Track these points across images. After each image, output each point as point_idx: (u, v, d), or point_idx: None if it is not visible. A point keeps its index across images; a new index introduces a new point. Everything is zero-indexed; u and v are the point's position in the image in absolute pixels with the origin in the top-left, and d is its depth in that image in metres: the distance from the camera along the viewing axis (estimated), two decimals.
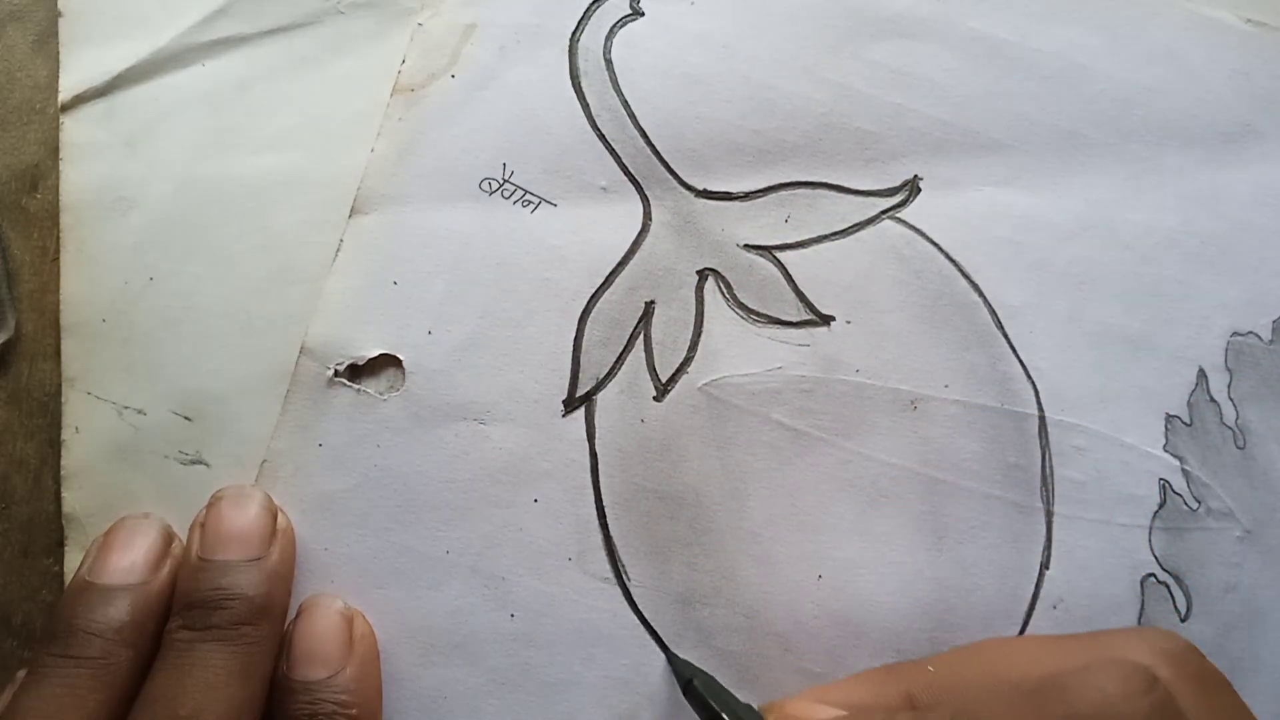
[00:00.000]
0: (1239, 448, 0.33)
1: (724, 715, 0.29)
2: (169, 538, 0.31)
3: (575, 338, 0.33)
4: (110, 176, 0.34)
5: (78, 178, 0.34)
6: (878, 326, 0.33)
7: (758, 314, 0.33)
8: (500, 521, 0.32)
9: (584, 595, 0.32)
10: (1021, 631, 0.32)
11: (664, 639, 0.32)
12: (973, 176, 0.33)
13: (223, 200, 0.33)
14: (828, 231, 0.33)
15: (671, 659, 0.32)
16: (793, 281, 0.33)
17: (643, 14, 0.34)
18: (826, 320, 0.33)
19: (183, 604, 0.30)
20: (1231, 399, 0.33)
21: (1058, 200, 0.33)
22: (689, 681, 0.30)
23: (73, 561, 0.32)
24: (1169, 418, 0.33)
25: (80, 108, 0.34)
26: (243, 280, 0.33)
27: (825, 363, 0.33)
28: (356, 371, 0.33)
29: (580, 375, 0.33)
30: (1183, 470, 0.33)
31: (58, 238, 0.34)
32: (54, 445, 0.33)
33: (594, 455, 0.33)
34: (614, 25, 0.34)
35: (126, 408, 0.33)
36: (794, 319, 0.33)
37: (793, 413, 0.33)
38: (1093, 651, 0.28)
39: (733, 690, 0.32)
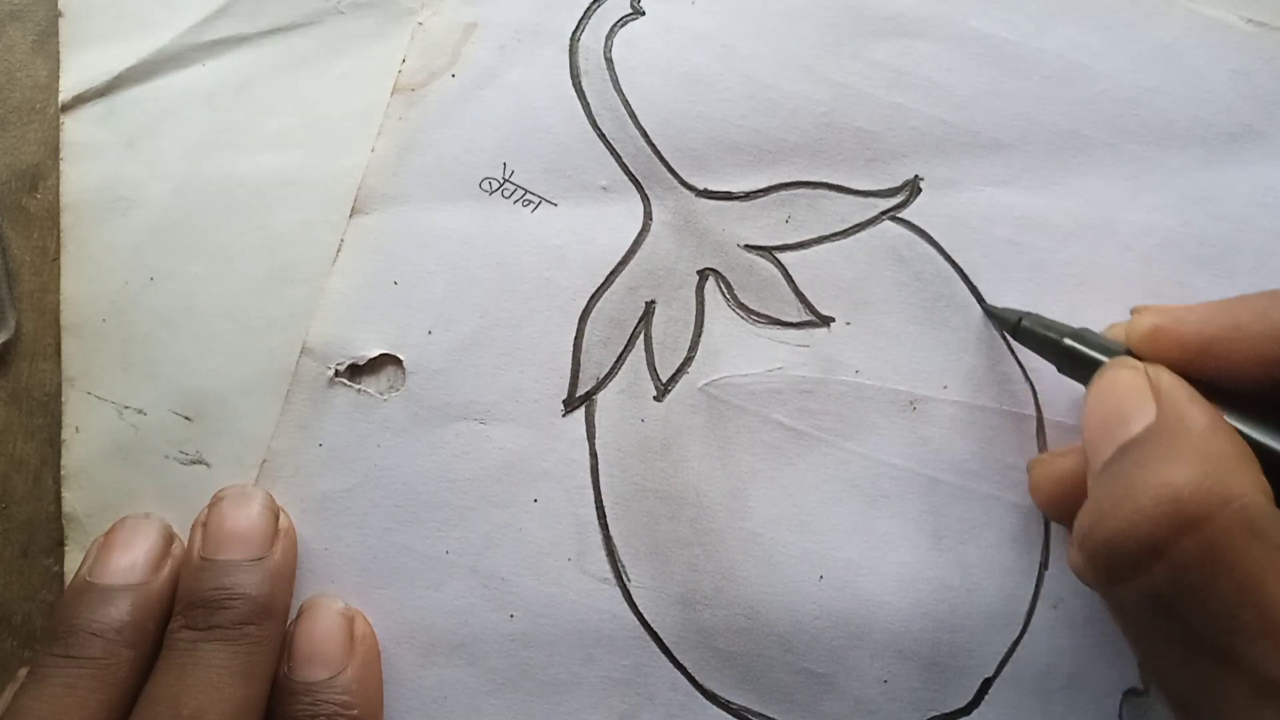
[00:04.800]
0: None
1: (1065, 340, 0.29)
2: (170, 538, 0.31)
3: (575, 337, 0.33)
4: (110, 176, 0.34)
5: (78, 178, 0.34)
6: (877, 327, 0.33)
7: (758, 314, 0.33)
8: (500, 521, 0.32)
9: (584, 596, 0.32)
10: (1023, 632, 0.32)
11: (664, 640, 0.32)
12: (973, 176, 0.33)
13: (223, 200, 0.33)
14: (828, 232, 0.33)
15: (989, 309, 0.32)
16: (793, 282, 0.33)
17: (643, 13, 0.34)
18: (826, 321, 0.33)
19: (185, 604, 0.30)
20: None
21: (1058, 200, 0.33)
22: (1017, 322, 0.31)
23: (73, 561, 0.32)
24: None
25: (80, 108, 0.34)
26: (243, 280, 0.33)
27: (825, 363, 0.33)
28: (357, 371, 0.33)
29: (580, 375, 0.33)
30: None
31: (58, 238, 0.34)
32: (54, 445, 0.33)
33: (594, 455, 0.33)
34: (614, 24, 0.34)
35: (126, 408, 0.33)
36: (794, 319, 0.33)
37: (793, 413, 0.33)
38: None
39: (733, 690, 0.32)
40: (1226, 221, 0.33)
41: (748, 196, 0.33)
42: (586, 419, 0.33)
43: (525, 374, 0.33)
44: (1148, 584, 0.23)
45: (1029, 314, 0.31)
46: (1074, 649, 0.32)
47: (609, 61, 0.34)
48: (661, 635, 0.32)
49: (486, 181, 0.33)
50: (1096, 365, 0.28)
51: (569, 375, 0.33)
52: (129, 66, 0.34)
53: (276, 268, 0.33)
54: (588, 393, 0.33)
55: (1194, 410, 0.25)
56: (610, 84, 0.34)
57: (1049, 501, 0.31)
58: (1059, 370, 0.30)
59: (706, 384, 0.33)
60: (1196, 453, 0.24)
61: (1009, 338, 0.32)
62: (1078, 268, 0.33)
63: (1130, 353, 0.28)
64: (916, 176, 0.33)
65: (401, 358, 0.33)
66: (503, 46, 0.34)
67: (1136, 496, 0.23)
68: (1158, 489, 0.23)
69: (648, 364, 0.33)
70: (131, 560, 0.31)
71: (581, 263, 0.33)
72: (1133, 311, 0.29)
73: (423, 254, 0.33)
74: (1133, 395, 0.26)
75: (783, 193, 0.33)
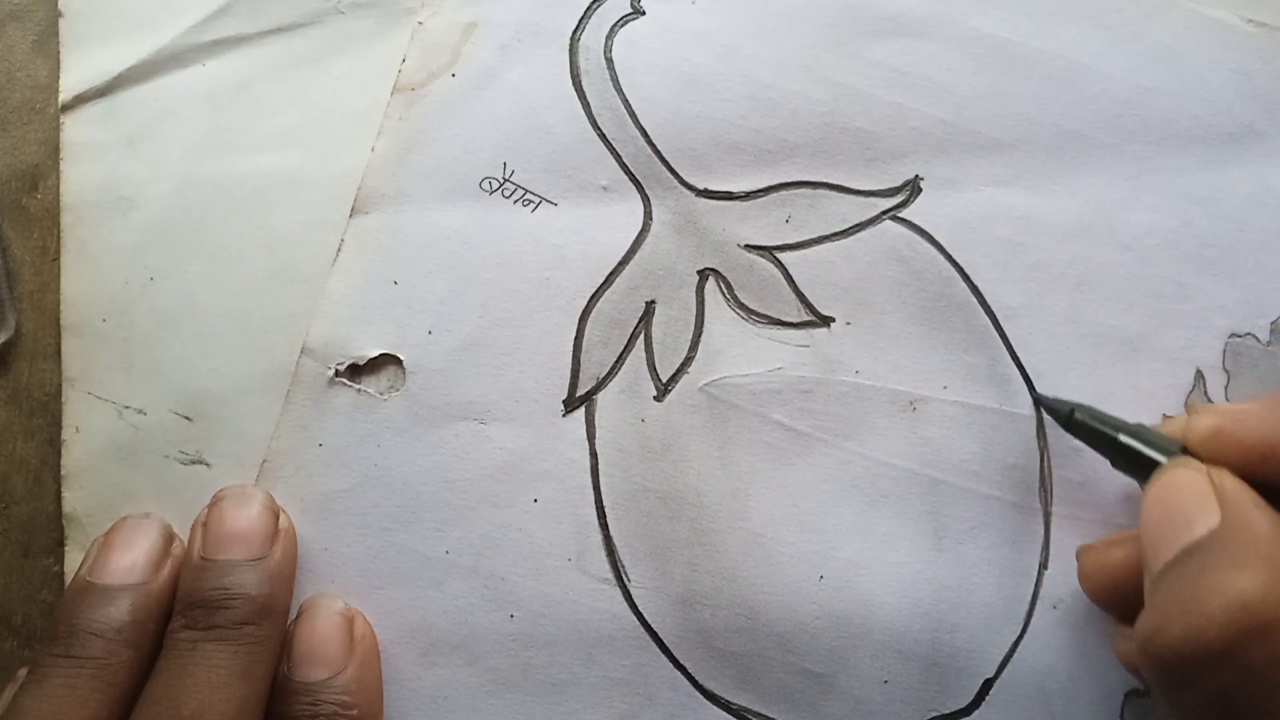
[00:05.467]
0: None
1: (1121, 437, 0.29)
2: (170, 537, 0.31)
3: (575, 338, 0.33)
4: (110, 176, 0.34)
5: (78, 178, 0.34)
6: (877, 327, 0.33)
7: (758, 314, 0.33)
8: (500, 521, 0.32)
9: (584, 596, 0.32)
10: (1023, 632, 0.32)
11: (664, 640, 0.32)
12: (973, 176, 0.33)
13: (223, 200, 0.33)
14: (828, 232, 0.33)
15: (1040, 399, 0.32)
16: (793, 282, 0.33)
17: (644, 13, 0.34)
18: (826, 321, 0.33)
19: (185, 604, 0.30)
20: (1229, 400, 0.33)
21: (1058, 200, 0.33)
22: (1070, 414, 0.30)
23: (73, 561, 0.32)
24: (1166, 419, 0.33)
25: (80, 108, 0.34)
26: (243, 280, 0.33)
27: (825, 363, 0.33)
28: (357, 371, 0.33)
29: (580, 375, 0.33)
30: None
31: (58, 238, 0.34)
32: (54, 445, 0.33)
33: (594, 455, 0.33)
34: (615, 24, 0.34)
35: (126, 408, 0.33)
36: (794, 320, 0.33)
37: (793, 413, 0.33)
38: None
39: (733, 690, 0.32)
40: (1226, 221, 0.33)
41: (748, 196, 0.33)
42: (586, 419, 0.33)
43: (525, 374, 0.33)
44: (1212, 688, 0.23)
45: (1081, 406, 0.31)
46: (1075, 649, 0.32)
47: (609, 61, 0.34)
48: (661, 635, 0.32)
49: (486, 181, 0.33)
50: (1153, 464, 0.28)
51: (569, 375, 0.33)
52: (129, 66, 0.34)
53: (276, 268, 0.33)
54: (588, 393, 0.33)
55: (1259, 515, 0.25)
56: (610, 84, 0.34)
57: (1099, 590, 0.31)
58: (1112, 465, 0.30)
59: (707, 384, 0.33)
60: (1263, 559, 0.23)
61: (1049, 418, 0.32)
62: (1078, 268, 0.33)
63: (1186, 450, 0.28)
64: (917, 176, 0.33)
65: (401, 358, 0.33)
66: (503, 46, 0.34)
67: (1204, 602, 0.23)
68: (1225, 595, 0.23)
69: (648, 364, 0.33)
70: (131, 560, 0.31)
71: (581, 263, 0.33)
72: (1189, 409, 0.29)
73: (423, 254, 0.33)
74: (1195, 497, 0.26)
75: (783, 193, 0.33)
